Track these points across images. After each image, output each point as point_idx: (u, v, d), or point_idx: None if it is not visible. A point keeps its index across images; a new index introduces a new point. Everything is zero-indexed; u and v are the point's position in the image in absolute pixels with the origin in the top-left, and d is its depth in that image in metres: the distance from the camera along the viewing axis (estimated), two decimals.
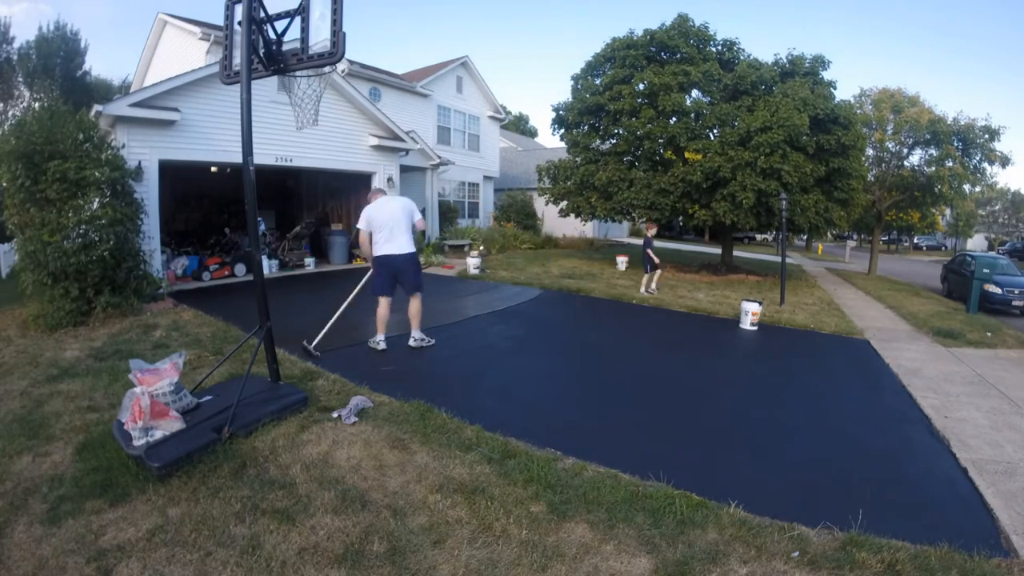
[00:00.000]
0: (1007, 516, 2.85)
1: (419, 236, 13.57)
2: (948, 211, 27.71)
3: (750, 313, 7.38)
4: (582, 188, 13.05)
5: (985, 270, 10.70)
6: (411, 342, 5.51)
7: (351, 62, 14.36)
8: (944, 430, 4.04)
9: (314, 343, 5.25)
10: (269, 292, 3.99)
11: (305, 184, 14.75)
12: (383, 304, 5.30)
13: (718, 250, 15.84)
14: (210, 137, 9.09)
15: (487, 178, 20.28)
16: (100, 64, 59.90)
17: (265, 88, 9.18)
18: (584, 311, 8.14)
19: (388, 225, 5.15)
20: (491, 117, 20.08)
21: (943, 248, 41.90)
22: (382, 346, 5.32)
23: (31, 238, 5.99)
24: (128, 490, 2.74)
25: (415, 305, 5.46)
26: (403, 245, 5.19)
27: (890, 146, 15.79)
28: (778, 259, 13.01)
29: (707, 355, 6.29)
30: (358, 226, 5.25)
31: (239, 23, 3.68)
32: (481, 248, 14.31)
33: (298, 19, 3.71)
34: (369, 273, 5.55)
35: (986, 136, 14.16)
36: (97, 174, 6.38)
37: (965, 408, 4.56)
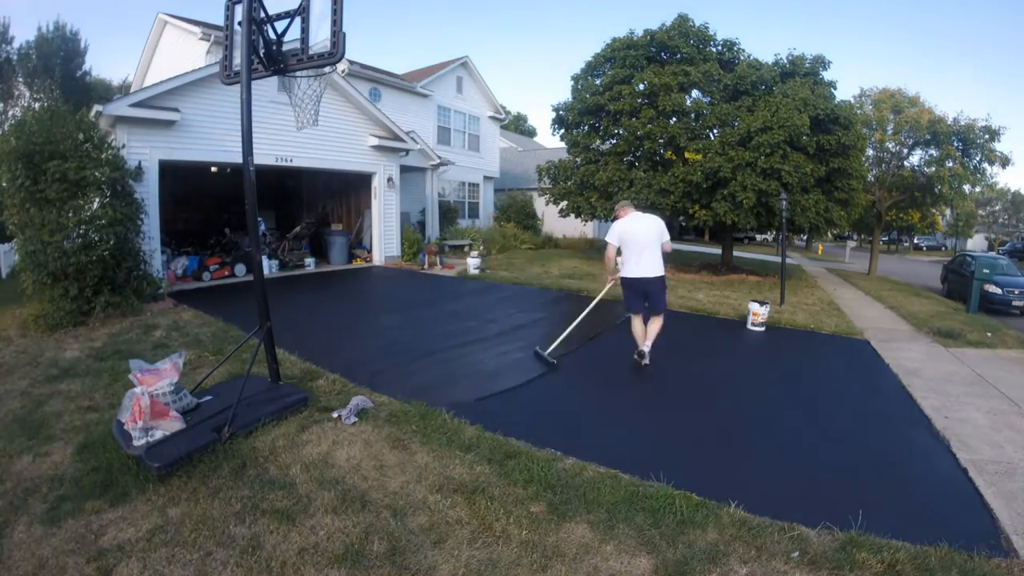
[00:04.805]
0: (1007, 516, 2.84)
1: (417, 237, 13.68)
2: (948, 211, 27.65)
3: (752, 313, 7.42)
4: (582, 188, 13.05)
5: (985, 270, 10.70)
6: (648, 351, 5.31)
7: (351, 62, 14.36)
8: (944, 430, 4.04)
9: (548, 351, 5.45)
10: (269, 292, 3.99)
11: (305, 184, 14.75)
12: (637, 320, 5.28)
13: (718, 250, 15.84)
14: (210, 137, 9.09)
15: (487, 178, 20.27)
16: (100, 64, 59.92)
17: (265, 88, 9.18)
18: (583, 311, 8.11)
19: (640, 243, 4.99)
20: (491, 117, 20.08)
21: (943, 248, 41.86)
22: (646, 360, 5.18)
23: (31, 238, 5.99)
24: (128, 490, 2.74)
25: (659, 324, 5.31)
26: (655, 267, 5.05)
27: (890, 146, 15.78)
28: (778, 259, 12.99)
29: (706, 355, 6.28)
30: (608, 240, 5.16)
31: (239, 23, 3.68)
32: (481, 248, 14.32)
33: (298, 19, 3.71)
34: (601, 294, 6.15)
35: (986, 136, 14.14)
36: (97, 174, 6.39)
37: (965, 408, 4.55)
